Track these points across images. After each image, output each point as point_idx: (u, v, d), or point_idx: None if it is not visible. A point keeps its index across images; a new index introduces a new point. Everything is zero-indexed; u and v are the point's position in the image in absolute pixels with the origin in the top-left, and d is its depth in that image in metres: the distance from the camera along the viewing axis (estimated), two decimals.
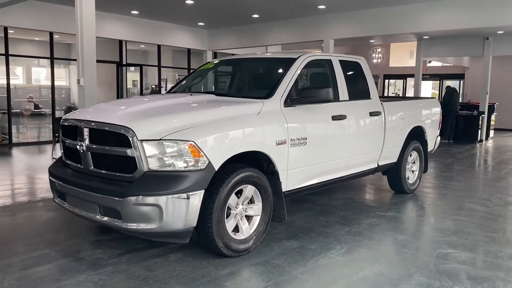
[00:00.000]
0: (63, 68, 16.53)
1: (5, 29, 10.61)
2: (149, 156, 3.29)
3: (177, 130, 3.35)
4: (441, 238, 4.38)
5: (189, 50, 14.57)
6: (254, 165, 3.86)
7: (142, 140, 3.28)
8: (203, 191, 3.38)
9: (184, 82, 5.14)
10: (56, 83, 11.91)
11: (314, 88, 4.21)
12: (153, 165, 3.31)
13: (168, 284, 3.21)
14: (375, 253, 3.94)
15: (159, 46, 13.75)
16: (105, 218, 3.44)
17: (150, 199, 3.22)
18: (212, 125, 3.51)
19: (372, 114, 5.25)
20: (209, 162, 3.39)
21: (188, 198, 3.27)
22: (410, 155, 6.23)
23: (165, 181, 3.28)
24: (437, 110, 6.82)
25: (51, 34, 11.45)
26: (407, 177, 6.16)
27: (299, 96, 4.19)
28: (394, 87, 24.87)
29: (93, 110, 3.95)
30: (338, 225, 4.69)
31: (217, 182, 3.50)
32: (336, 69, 4.89)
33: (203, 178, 3.37)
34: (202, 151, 3.35)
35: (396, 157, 5.93)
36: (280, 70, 4.43)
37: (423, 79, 23.86)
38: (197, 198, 3.33)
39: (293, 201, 5.53)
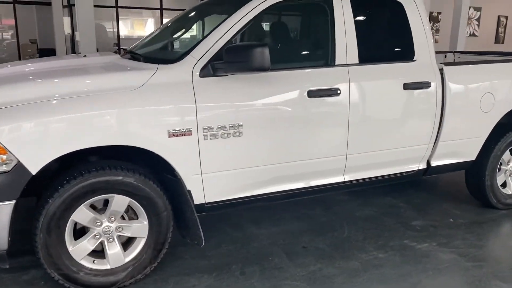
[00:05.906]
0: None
1: None
2: None
3: None
4: None
5: None
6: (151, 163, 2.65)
7: None
8: (12, 202, 2.33)
9: (147, 39, 3.87)
10: None
11: (236, 47, 2.58)
12: None
13: None
14: None
15: None
16: None
17: None
18: (31, 106, 2.35)
19: (409, 86, 3.26)
20: (18, 161, 2.30)
21: None
22: (510, 150, 3.91)
23: None
24: None
25: None
26: (498, 184, 3.90)
27: (224, 61, 2.63)
28: None
29: None
30: (309, 258, 3.07)
31: (48, 191, 2.41)
32: (339, 14, 3.06)
33: (8, 185, 2.31)
34: (2, 145, 2.27)
35: (475, 154, 3.76)
36: (220, 19, 2.89)
37: None
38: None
39: (295, 203, 3.95)
